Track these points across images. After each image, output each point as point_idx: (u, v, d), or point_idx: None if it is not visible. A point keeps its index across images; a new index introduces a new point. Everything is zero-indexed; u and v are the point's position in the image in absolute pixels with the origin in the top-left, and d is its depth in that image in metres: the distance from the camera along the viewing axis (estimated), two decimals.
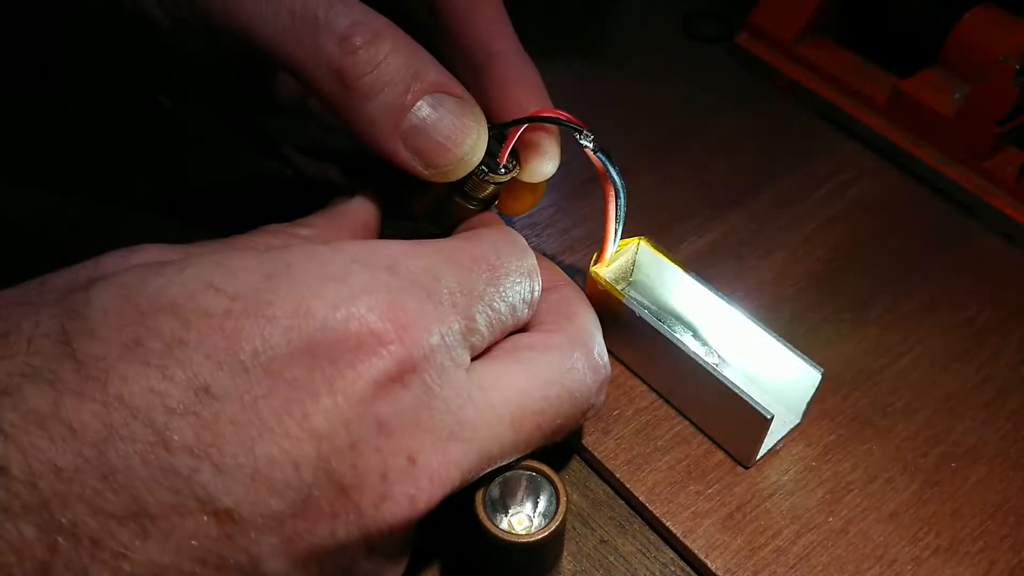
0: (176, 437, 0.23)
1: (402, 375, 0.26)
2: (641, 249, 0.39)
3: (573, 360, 0.31)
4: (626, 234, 0.37)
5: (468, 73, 0.35)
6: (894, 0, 0.53)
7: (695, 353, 0.35)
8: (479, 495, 0.31)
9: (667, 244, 0.43)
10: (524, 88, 0.35)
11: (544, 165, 0.35)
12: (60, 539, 0.21)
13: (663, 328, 0.36)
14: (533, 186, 0.37)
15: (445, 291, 0.28)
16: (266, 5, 0.30)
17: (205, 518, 0.23)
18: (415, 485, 0.26)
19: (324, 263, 0.27)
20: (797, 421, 0.37)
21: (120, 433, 0.22)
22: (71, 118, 0.49)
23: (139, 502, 0.22)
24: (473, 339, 0.29)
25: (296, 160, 0.47)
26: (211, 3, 0.30)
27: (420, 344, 0.26)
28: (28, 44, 0.40)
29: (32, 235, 0.43)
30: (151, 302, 0.24)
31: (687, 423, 0.38)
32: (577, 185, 0.47)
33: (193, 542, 0.23)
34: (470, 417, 0.27)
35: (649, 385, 0.39)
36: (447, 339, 0.27)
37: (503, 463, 0.30)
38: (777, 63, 0.55)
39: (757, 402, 0.34)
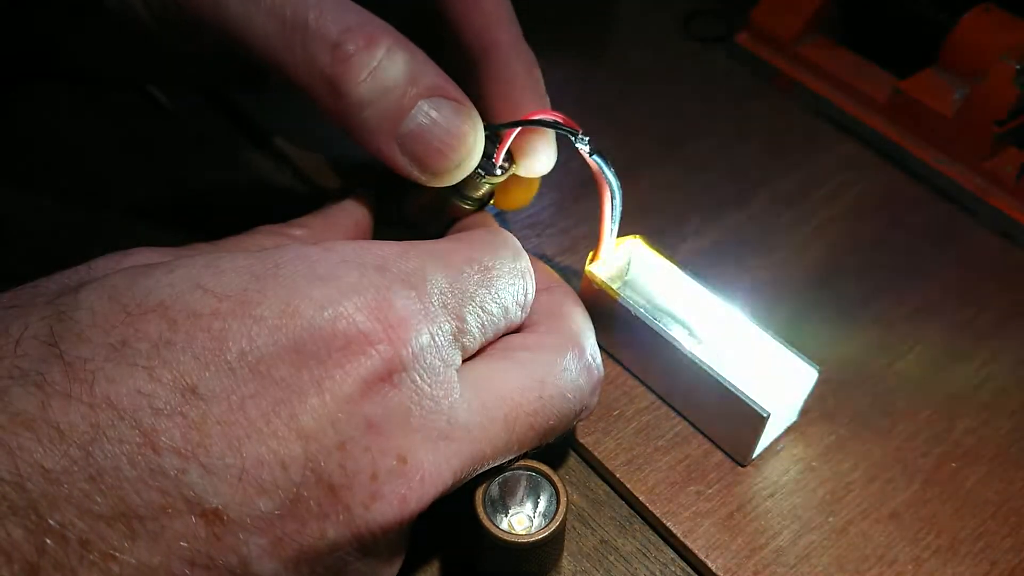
0: (163, 438, 0.23)
1: (391, 375, 0.26)
2: (636, 248, 0.39)
3: (566, 361, 0.31)
4: (626, 234, 0.37)
5: (466, 64, 0.35)
6: (894, 0, 0.53)
7: (690, 351, 0.35)
8: (479, 495, 0.31)
9: (667, 244, 0.43)
10: (521, 84, 0.35)
11: (538, 163, 0.35)
12: (48, 541, 0.21)
13: (658, 326, 0.36)
14: (528, 182, 0.37)
15: (436, 292, 0.28)
16: (254, 9, 0.30)
17: (193, 519, 0.23)
18: (406, 485, 0.26)
19: (313, 263, 0.27)
20: (794, 420, 0.37)
21: (107, 434, 0.22)
22: (71, 118, 0.49)
23: (127, 503, 0.22)
24: (464, 340, 0.29)
25: (288, 153, 0.47)
26: (197, 6, 0.30)
27: (409, 344, 0.26)
28: (24, 42, 0.40)
29: (31, 236, 0.43)
30: (139, 303, 0.24)
31: (687, 423, 0.37)
32: (577, 185, 0.47)
33: (182, 543, 0.23)
34: (462, 417, 0.27)
35: (646, 385, 0.39)
36: (437, 339, 0.27)
37: (496, 464, 0.30)
38: (777, 63, 0.55)
39: (753, 400, 0.34)
